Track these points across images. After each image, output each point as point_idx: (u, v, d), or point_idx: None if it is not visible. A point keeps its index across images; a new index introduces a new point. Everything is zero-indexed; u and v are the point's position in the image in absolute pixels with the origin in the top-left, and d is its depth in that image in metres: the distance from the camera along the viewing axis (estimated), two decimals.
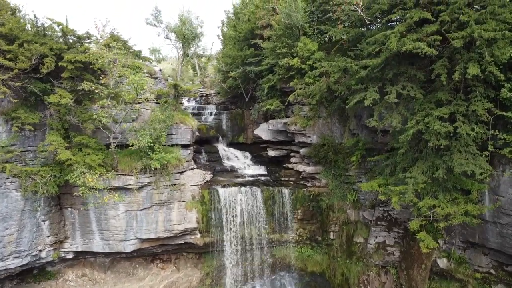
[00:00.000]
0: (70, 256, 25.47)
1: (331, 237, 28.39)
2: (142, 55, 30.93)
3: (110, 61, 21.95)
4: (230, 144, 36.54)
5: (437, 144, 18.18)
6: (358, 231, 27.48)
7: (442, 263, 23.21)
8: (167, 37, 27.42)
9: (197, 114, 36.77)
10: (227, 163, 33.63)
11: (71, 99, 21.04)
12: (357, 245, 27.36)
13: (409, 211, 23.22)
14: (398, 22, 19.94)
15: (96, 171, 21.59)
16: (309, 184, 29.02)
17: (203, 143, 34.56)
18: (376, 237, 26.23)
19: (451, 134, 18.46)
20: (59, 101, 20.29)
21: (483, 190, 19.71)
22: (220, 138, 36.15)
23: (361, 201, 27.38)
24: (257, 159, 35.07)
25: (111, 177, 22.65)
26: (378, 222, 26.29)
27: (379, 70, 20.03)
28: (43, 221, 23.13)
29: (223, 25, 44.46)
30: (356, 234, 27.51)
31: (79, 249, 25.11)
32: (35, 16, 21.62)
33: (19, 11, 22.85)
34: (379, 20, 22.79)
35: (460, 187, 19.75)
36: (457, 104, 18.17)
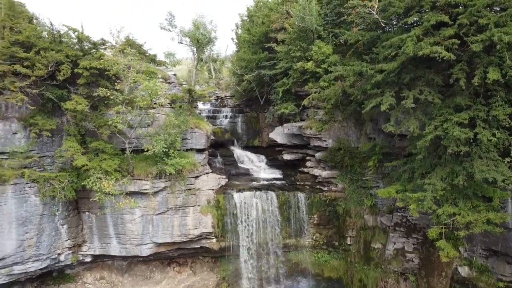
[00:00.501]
0: (88, 259, 25.88)
1: (348, 242, 27.98)
2: (157, 59, 31.19)
3: (125, 66, 22.14)
4: (245, 147, 36.46)
5: (456, 150, 17.65)
6: (376, 237, 27.00)
7: (464, 271, 22.54)
8: (180, 42, 27.62)
9: (212, 117, 36.85)
10: (242, 167, 33.59)
11: (87, 106, 21.31)
12: (375, 251, 26.88)
13: (428, 217, 22.60)
14: (414, 25, 19.36)
15: (112, 177, 21.81)
16: (325, 188, 28.67)
17: (218, 147, 34.59)
18: (395, 243, 25.71)
19: (471, 140, 17.88)
20: (75, 108, 20.57)
21: (506, 198, 19.02)
22: (235, 141, 36.13)
23: (379, 206, 26.87)
24: (273, 162, 34.92)
25: (127, 182, 22.84)
26: (397, 228, 25.75)
27: (396, 74, 19.55)
28: (62, 225, 23.54)
29: (237, 28, 44.45)
30: (374, 239, 27.03)
31: (97, 253, 25.48)
32: (51, 24, 22.00)
33: (36, 18, 23.28)
34: (395, 23, 22.31)
35: (481, 194, 19.10)
36: (477, 109, 17.59)
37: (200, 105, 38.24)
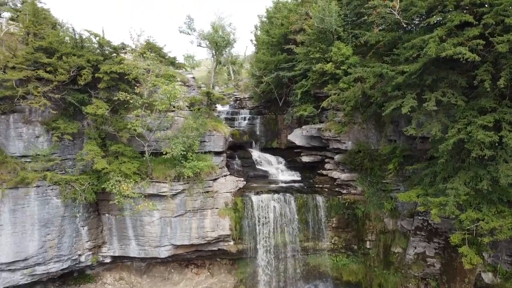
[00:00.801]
0: (108, 260, 26.21)
1: (368, 246, 27.52)
2: (177, 62, 31.40)
3: (144, 70, 22.33)
4: (263, 149, 36.36)
5: (480, 154, 17.12)
6: (396, 241, 26.49)
7: (487, 277, 21.84)
8: (199, 45, 27.68)
9: (231, 119, 36.86)
10: (260, 169, 33.49)
11: (107, 110, 21.56)
12: (395, 255, 26.37)
13: (451, 221, 22.03)
14: (437, 26, 18.81)
15: (131, 179, 22.02)
16: (344, 191, 28.28)
17: (237, 149, 34.59)
18: (415, 248, 25.15)
19: (496, 144, 17.31)
20: (96, 112, 20.84)
21: None
22: (254, 143, 36.03)
23: (399, 210, 26.35)
24: (291, 164, 34.71)
25: (146, 185, 23.03)
26: (418, 232, 25.20)
27: (417, 76, 19.12)
28: (82, 226, 23.91)
29: (256, 29, 44.39)
30: (394, 243, 26.53)
31: (116, 254, 25.79)
32: (73, 29, 22.37)
33: (59, 24, 23.71)
34: (416, 22, 21.83)
35: (507, 199, 18.55)
36: (503, 112, 17.05)
37: (219, 106, 38.31)
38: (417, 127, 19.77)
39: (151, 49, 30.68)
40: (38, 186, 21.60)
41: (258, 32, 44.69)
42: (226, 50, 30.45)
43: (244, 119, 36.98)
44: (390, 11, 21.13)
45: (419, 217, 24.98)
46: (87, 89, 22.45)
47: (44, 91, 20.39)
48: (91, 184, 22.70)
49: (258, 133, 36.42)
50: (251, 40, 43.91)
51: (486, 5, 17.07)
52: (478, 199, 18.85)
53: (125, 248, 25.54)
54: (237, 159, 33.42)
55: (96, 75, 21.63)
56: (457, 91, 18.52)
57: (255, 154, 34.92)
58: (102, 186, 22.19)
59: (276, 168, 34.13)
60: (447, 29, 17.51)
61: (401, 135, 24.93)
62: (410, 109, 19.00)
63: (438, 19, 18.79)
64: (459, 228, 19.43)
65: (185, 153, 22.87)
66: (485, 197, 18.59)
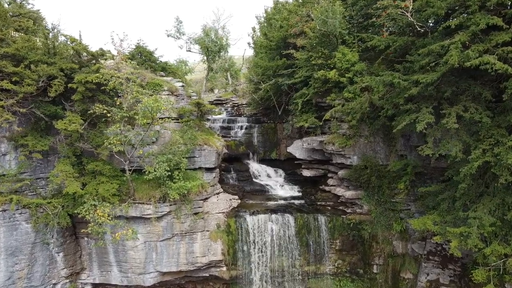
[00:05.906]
0: (88, 287, 23.80)
1: (375, 270, 25.15)
2: (168, 66, 29.02)
3: (125, 79, 19.84)
4: (261, 160, 33.80)
5: (510, 180, 14.58)
6: (406, 266, 24.18)
7: None
8: (189, 50, 25.25)
9: (227, 128, 34.35)
10: (257, 182, 31.03)
11: (82, 125, 19.10)
12: (405, 281, 24.06)
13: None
14: (457, 29, 16.21)
15: (110, 202, 19.57)
16: (349, 210, 25.77)
17: (233, 161, 32.11)
18: (428, 274, 22.71)
19: None
20: (67, 128, 18.33)
21: None
22: (251, 154, 33.45)
23: (409, 232, 23.93)
24: (291, 177, 32.22)
25: (125, 208, 20.60)
26: (430, 257, 22.79)
27: (434, 87, 16.56)
28: (57, 253, 21.55)
29: (254, 31, 41.76)
30: (404, 269, 24.19)
31: (97, 281, 23.45)
32: (43, 34, 19.89)
33: (32, 32, 21.29)
34: (431, 25, 19.26)
35: None
36: None
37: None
38: (433, 146, 17.21)
39: (141, 53, 28.41)
40: (4, 211, 19.23)
41: (258, 33, 42.13)
42: (220, 55, 27.92)
43: (241, 128, 34.43)
44: (402, 12, 18.59)
45: (432, 241, 22.40)
46: (61, 101, 20.04)
47: (7, 105, 17.91)
48: (66, 207, 20.26)
49: (255, 143, 33.83)
50: (249, 43, 41.41)
51: None
52: (505, 230, 16.34)
53: (106, 275, 23.14)
54: (232, 172, 30.96)
55: (70, 85, 19.15)
56: (481, 105, 15.99)
57: (253, 166, 32.42)
58: (75, 211, 19.68)
59: (275, 182, 31.63)
60: (471, 33, 14.97)
61: (412, 150, 22.36)
62: (425, 126, 16.48)
63: (460, 20, 16.18)
64: (483, 264, 16.88)
65: (170, 173, 20.30)
66: None
